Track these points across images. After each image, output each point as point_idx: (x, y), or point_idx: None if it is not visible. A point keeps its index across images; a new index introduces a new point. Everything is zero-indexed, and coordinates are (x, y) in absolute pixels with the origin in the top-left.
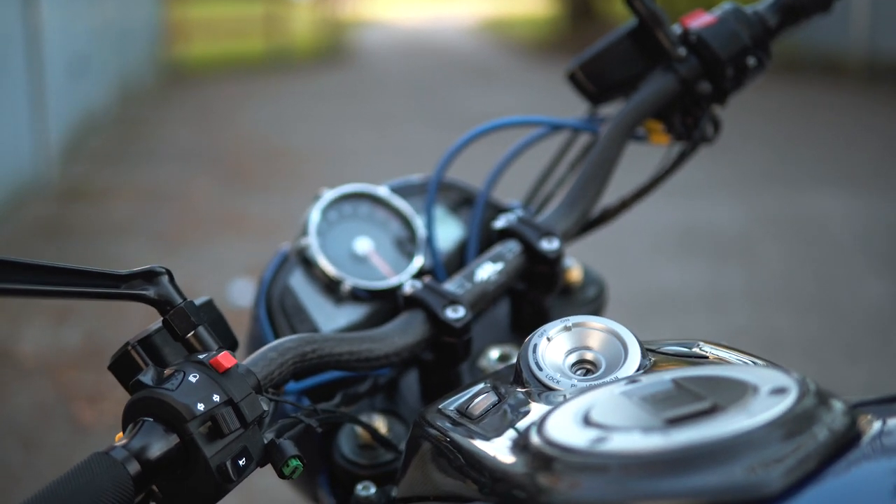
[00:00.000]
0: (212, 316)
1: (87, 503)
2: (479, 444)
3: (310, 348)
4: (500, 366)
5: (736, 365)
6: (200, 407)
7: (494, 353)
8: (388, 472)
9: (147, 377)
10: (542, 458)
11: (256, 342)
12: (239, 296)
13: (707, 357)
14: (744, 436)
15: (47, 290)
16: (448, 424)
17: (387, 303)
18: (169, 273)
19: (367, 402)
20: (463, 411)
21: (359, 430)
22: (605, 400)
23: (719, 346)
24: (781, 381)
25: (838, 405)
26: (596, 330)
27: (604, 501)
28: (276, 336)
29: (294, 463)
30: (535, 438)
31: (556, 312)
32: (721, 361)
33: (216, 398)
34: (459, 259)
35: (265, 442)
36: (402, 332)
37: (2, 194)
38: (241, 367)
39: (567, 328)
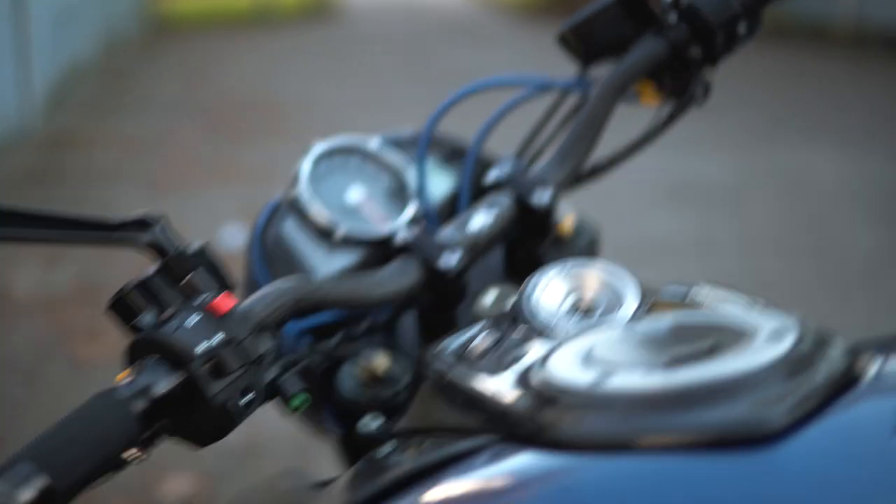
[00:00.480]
0: (207, 261)
1: (93, 443)
2: (482, 383)
3: (306, 291)
4: (498, 307)
5: (735, 308)
6: (202, 347)
7: (491, 296)
8: (390, 406)
9: (147, 319)
10: (544, 396)
11: (252, 287)
12: (230, 239)
13: (705, 300)
14: (744, 376)
15: (41, 236)
16: (450, 364)
17: (380, 250)
18: (164, 219)
19: (368, 339)
20: (464, 351)
21: (360, 367)
22: (606, 340)
23: (718, 289)
24: (780, 323)
25: (837, 346)
26: (594, 272)
27: (608, 436)
28: (273, 279)
29: (301, 396)
30: (536, 377)
31: (549, 260)
32: (720, 304)
33: (217, 338)
34: (451, 210)
35: (270, 378)
36: (397, 278)
37: None
38: (240, 308)
39: (564, 271)
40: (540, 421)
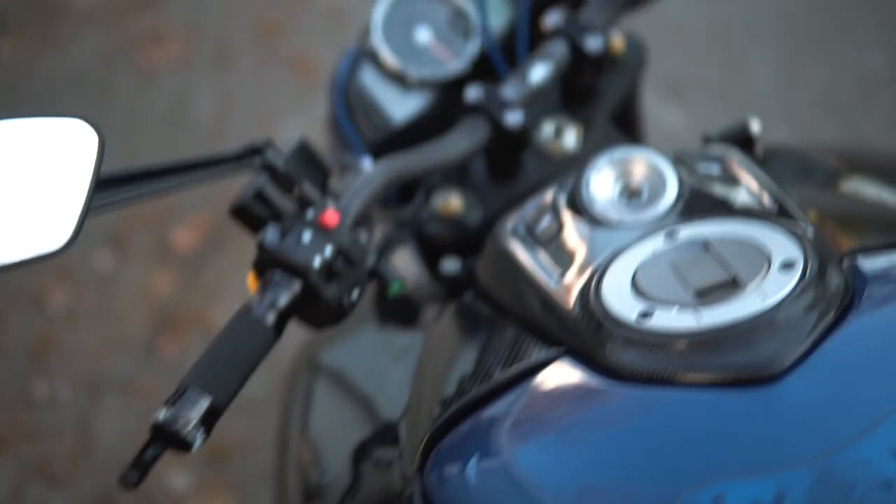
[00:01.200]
0: (307, 157)
1: (241, 360)
2: (546, 284)
3: (394, 174)
4: (557, 142)
5: (753, 222)
6: (316, 262)
7: (549, 128)
8: (465, 243)
9: (269, 238)
10: (599, 319)
11: (335, 132)
12: None
13: (736, 180)
14: (759, 317)
15: (168, 187)
16: (520, 247)
17: (450, 88)
18: (269, 142)
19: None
20: (531, 232)
21: (438, 207)
22: (650, 264)
23: (743, 166)
24: (791, 252)
25: (836, 271)
26: (638, 160)
27: (649, 370)
28: (359, 133)
29: (396, 286)
30: (593, 300)
31: (603, 85)
32: (744, 208)
33: (328, 252)
34: (511, 39)
35: (370, 266)
36: (468, 137)
37: None
38: (343, 216)
39: (612, 161)
40: (596, 343)
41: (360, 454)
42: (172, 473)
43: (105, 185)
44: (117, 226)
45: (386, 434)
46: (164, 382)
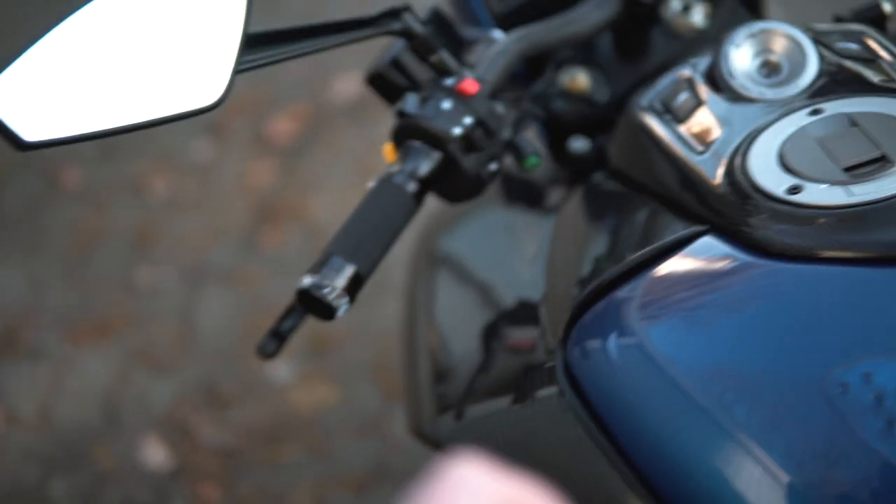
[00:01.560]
0: (441, 26)
1: (383, 228)
2: (688, 159)
3: (527, 45)
4: (685, 18)
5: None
6: (457, 131)
7: (678, 4)
8: (592, 122)
9: (409, 105)
10: (745, 193)
11: (467, 21)
12: None
13: (875, 57)
14: None
15: (310, 48)
16: (657, 123)
17: None
18: (407, 6)
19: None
20: (667, 108)
21: (564, 84)
22: (796, 140)
23: (883, 44)
24: None
25: None
26: (777, 35)
27: (798, 246)
28: (485, 6)
29: (533, 159)
30: (739, 170)
31: None
32: (886, 85)
33: (467, 121)
34: None
35: (507, 141)
36: (599, 9)
37: None
38: (482, 85)
39: (752, 35)
40: (742, 218)
41: (491, 334)
42: (275, 364)
43: (252, 44)
44: (215, 114)
45: (516, 314)
46: (265, 273)
